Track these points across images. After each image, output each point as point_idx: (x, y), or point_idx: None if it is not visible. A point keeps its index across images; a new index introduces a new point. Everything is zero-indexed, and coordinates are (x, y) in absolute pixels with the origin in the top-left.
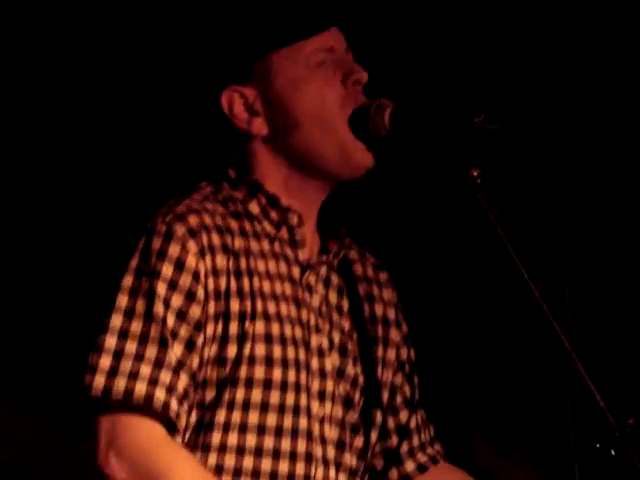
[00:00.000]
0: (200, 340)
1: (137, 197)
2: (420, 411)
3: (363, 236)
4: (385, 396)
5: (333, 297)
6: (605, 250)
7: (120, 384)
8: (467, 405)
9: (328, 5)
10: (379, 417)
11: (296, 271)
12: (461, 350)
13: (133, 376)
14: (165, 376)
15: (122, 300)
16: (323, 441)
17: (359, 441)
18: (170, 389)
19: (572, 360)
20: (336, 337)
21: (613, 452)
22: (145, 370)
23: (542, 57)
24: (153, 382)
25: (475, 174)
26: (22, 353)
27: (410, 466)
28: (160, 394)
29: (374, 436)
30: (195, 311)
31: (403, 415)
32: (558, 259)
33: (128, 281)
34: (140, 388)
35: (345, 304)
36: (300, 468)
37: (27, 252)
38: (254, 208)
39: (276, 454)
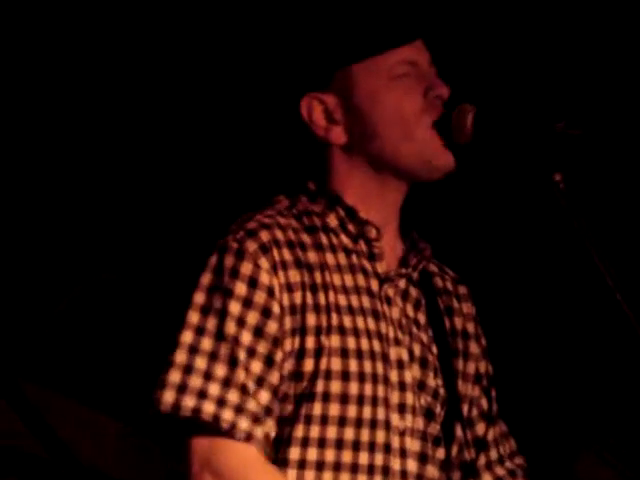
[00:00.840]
0: (279, 356)
1: (217, 209)
2: (499, 424)
3: (444, 244)
4: (465, 409)
5: (410, 310)
6: None
7: (189, 401)
8: (570, 421)
9: (412, 18)
10: (459, 430)
11: (375, 284)
12: (552, 362)
13: (202, 394)
14: (232, 396)
15: (193, 317)
16: (403, 454)
17: (441, 453)
18: (239, 409)
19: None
20: (416, 349)
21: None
22: (214, 389)
23: (625, 62)
24: (220, 402)
25: (558, 178)
26: (106, 358)
27: (487, 479)
28: (228, 414)
29: (455, 449)
30: (272, 327)
31: (480, 428)
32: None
33: (200, 298)
34: (209, 406)
35: (422, 317)
36: None
37: (111, 258)
38: (332, 221)
39: (354, 468)
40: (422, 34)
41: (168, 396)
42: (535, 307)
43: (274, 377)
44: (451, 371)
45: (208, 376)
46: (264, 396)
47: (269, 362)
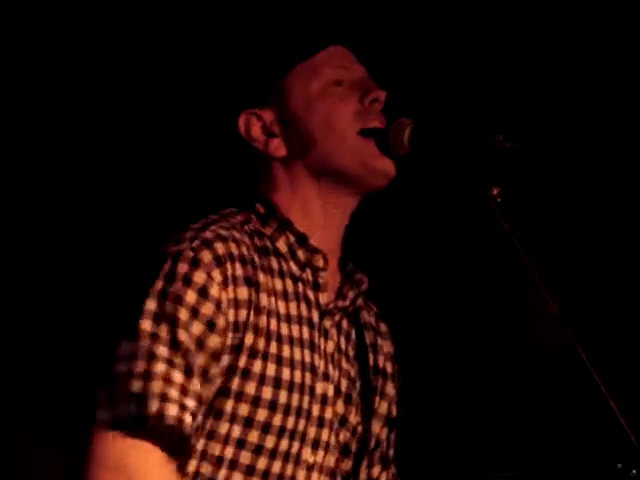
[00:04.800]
0: (214, 370)
1: (157, 222)
2: (392, 468)
3: (378, 263)
4: (370, 448)
5: (343, 343)
6: (626, 268)
7: (153, 406)
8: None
9: (339, 20)
10: (363, 468)
11: (315, 315)
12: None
13: (165, 399)
14: (190, 402)
15: (146, 324)
16: None
17: None
18: (194, 414)
19: (594, 379)
20: (343, 385)
21: (635, 472)
22: (174, 394)
23: (562, 76)
24: (182, 407)
25: (495, 192)
26: (42, 381)
27: None
28: (188, 418)
29: None
30: (213, 341)
31: (376, 470)
32: (577, 276)
33: (151, 306)
34: (172, 410)
35: (351, 351)
36: None
37: (46, 280)
38: (282, 246)
39: None
40: (350, 39)
41: (131, 406)
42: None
43: (209, 392)
44: (370, 409)
45: (168, 382)
46: (198, 409)
47: (205, 376)
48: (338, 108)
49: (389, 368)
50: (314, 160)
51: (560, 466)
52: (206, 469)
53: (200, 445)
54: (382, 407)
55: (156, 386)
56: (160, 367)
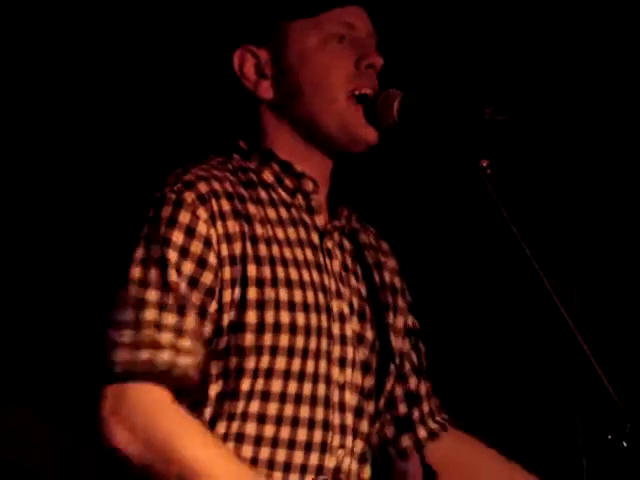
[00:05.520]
0: (212, 307)
1: (144, 175)
2: (428, 380)
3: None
4: (396, 363)
5: (349, 262)
6: (613, 244)
7: (144, 354)
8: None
9: None
10: (389, 384)
11: (315, 237)
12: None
13: (156, 345)
14: (185, 342)
15: (135, 272)
16: (342, 408)
17: (371, 406)
18: (191, 354)
19: (582, 349)
20: (355, 302)
21: (625, 444)
22: (166, 338)
23: (551, 49)
24: (174, 349)
25: (485, 164)
26: (39, 358)
27: (422, 433)
28: (183, 360)
29: (382, 402)
30: (207, 278)
31: (412, 382)
32: (568, 250)
33: (139, 252)
34: (164, 355)
35: (359, 269)
36: (317, 436)
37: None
38: (268, 176)
39: (295, 422)
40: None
41: (123, 355)
42: (460, 297)
43: (207, 329)
44: (383, 324)
45: (158, 326)
46: (198, 347)
47: (202, 313)
48: (333, 67)
49: (397, 283)
50: (299, 112)
51: (549, 439)
52: (239, 407)
53: (230, 385)
54: (398, 321)
55: (146, 334)
56: (150, 314)
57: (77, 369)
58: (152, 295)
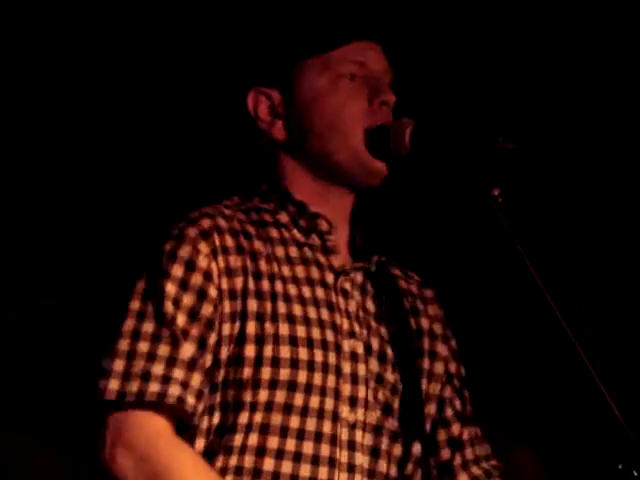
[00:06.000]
0: (212, 339)
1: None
2: (475, 426)
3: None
4: (432, 408)
5: (370, 304)
6: (624, 271)
7: (134, 385)
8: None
9: (359, 17)
10: (424, 428)
11: (330, 276)
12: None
13: (146, 376)
14: (178, 373)
15: (134, 304)
16: (352, 447)
17: (397, 449)
18: (185, 384)
19: (591, 376)
20: (374, 343)
21: (636, 473)
22: (158, 369)
23: (561, 78)
24: (166, 380)
25: (496, 193)
26: (40, 385)
27: (462, 478)
28: (174, 390)
29: (417, 446)
30: (207, 310)
31: (455, 428)
32: (576, 276)
33: (140, 286)
34: (154, 386)
35: (382, 313)
36: (323, 473)
37: (43, 284)
38: (283, 217)
39: (297, 457)
40: (370, 35)
41: (113, 384)
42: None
43: (207, 360)
44: (415, 369)
45: (152, 357)
46: (196, 378)
47: (202, 345)
48: (346, 105)
49: (438, 329)
50: (314, 151)
51: (560, 467)
52: (237, 440)
53: (229, 418)
54: (437, 367)
55: (137, 365)
56: (143, 345)
57: (79, 397)
58: (148, 327)
